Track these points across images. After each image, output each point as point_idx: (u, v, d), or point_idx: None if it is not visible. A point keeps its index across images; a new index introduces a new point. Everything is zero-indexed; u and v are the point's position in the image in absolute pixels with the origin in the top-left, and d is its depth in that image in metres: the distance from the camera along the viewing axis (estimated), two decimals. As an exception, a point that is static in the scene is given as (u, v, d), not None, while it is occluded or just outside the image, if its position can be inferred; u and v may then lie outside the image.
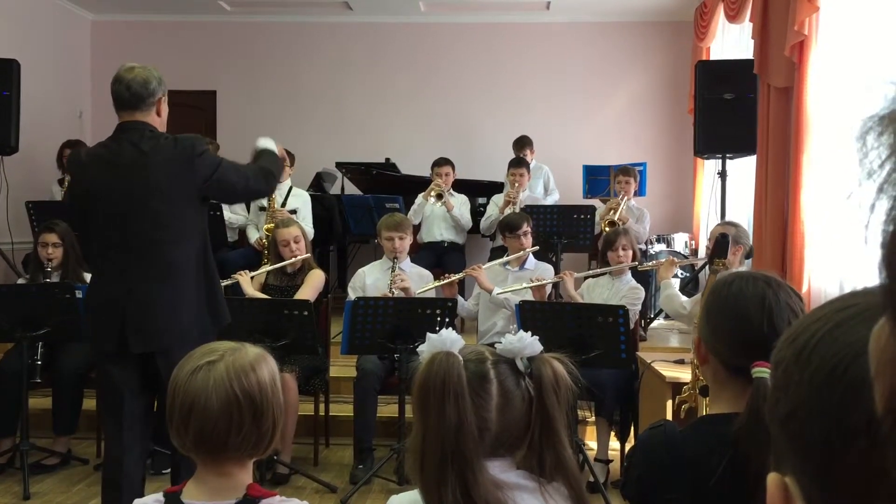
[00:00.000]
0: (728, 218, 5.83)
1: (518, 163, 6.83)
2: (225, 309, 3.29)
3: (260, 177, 3.30)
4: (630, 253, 4.82)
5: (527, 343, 1.40)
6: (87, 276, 4.75)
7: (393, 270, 4.75)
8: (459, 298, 4.83)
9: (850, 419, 0.54)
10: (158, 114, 3.19)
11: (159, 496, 1.61)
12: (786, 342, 0.63)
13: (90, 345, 3.37)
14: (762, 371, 1.37)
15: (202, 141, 3.23)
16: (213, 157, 3.24)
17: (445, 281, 4.73)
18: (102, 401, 3.38)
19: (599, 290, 4.84)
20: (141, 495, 3.15)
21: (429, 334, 1.39)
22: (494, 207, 6.73)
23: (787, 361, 0.62)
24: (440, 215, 6.81)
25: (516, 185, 6.59)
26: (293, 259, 4.76)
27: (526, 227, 4.97)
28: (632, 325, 4.34)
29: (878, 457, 0.49)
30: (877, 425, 0.49)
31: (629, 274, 4.89)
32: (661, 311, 6.04)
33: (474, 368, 1.37)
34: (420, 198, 6.66)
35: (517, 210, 6.12)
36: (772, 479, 0.62)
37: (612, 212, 6.29)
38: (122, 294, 3.07)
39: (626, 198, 6.45)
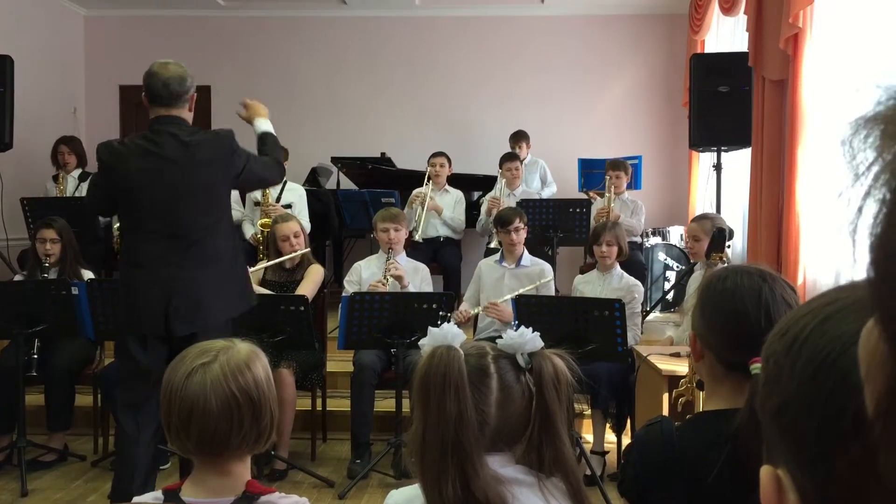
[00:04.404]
0: (723, 211, 5.83)
1: (511, 157, 6.84)
2: (252, 288, 3.57)
3: (274, 167, 3.57)
4: (615, 249, 4.77)
5: (527, 339, 1.40)
6: (86, 273, 4.77)
7: (388, 260, 4.75)
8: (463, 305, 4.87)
9: (840, 412, 0.55)
10: (190, 109, 3.40)
11: (158, 494, 1.61)
12: (776, 336, 0.64)
13: (124, 327, 3.38)
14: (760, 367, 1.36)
15: (235, 137, 3.44)
16: (244, 150, 3.47)
17: (462, 320, 4.77)
18: (121, 381, 3.45)
19: (591, 286, 4.82)
20: (147, 482, 3.17)
21: (430, 328, 1.40)
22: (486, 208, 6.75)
23: (778, 355, 0.62)
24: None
25: (503, 181, 6.62)
26: (292, 254, 4.75)
27: (518, 223, 4.93)
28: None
29: (869, 455, 0.50)
30: (868, 423, 0.50)
31: (618, 267, 4.86)
32: (656, 303, 6.05)
33: (475, 363, 1.37)
34: (407, 208, 6.60)
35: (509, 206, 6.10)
36: (764, 471, 0.62)
37: (605, 217, 6.07)
38: (168, 280, 3.23)
39: (619, 193, 6.41)
